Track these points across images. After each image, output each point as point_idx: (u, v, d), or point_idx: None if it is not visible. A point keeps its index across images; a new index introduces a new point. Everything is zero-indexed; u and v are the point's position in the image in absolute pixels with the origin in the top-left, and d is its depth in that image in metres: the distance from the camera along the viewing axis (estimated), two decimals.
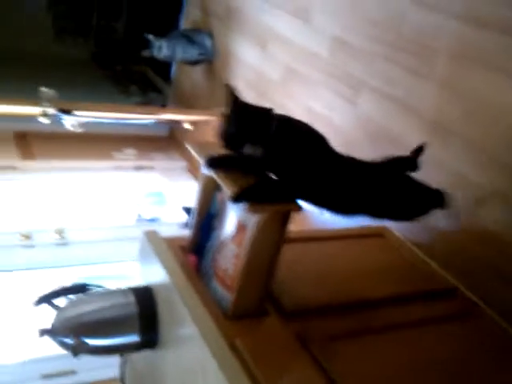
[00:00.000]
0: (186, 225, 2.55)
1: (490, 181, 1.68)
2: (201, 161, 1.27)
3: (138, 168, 3.52)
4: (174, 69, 4.07)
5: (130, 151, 3.53)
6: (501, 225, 1.65)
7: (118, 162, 3.47)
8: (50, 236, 2.63)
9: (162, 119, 3.07)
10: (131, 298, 1.38)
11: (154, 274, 1.41)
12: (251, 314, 1.26)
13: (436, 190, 1.55)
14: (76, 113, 2.63)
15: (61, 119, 2.59)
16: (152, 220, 3.52)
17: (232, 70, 3.18)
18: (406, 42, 1.93)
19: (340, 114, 2.23)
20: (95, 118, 2.72)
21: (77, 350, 1.27)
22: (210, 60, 3.46)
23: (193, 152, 1.32)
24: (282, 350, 1.19)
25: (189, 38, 3.43)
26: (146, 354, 1.42)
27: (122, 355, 1.53)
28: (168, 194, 3.50)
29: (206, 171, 1.27)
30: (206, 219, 1.41)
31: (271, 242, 1.20)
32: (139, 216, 3.50)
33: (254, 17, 2.99)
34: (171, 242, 1.46)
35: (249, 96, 2.97)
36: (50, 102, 2.50)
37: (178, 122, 3.35)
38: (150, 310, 1.38)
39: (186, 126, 3.03)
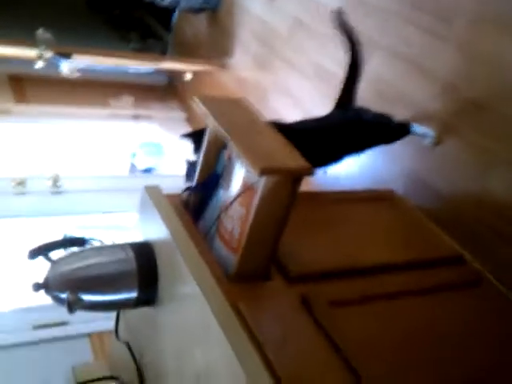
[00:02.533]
0: (187, 178, 2.46)
1: None
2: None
3: (135, 117, 3.43)
4: (175, 16, 3.92)
5: (127, 99, 3.43)
6: None
7: (114, 109, 3.38)
8: (44, 183, 2.56)
9: (162, 68, 2.96)
10: (130, 254, 1.33)
11: (154, 230, 1.36)
12: (255, 278, 1.23)
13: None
14: (74, 57, 2.53)
15: (58, 63, 2.49)
16: (146, 170, 3.45)
17: (237, 20, 3.05)
18: (423, 1, 1.84)
19: None
20: (93, 63, 2.62)
21: (72, 305, 1.23)
22: (214, 8, 3.33)
23: (202, 108, 1.24)
24: (285, 315, 1.16)
25: None
26: (142, 309, 1.38)
27: (118, 311, 1.49)
28: (165, 145, 3.42)
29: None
30: (210, 177, 1.35)
31: (280, 205, 1.15)
32: (132, 165, 3.43)
33: None
34: (173, 198, 1.41)
35: (253, 47, 2.87)
36: (47, 45, 2.40)
37: (178, 72, 3.24)
38: (149, 266, 1.34)
39: (187, 75, 2.92)
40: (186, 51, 3.65)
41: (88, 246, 1.38)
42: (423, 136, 1.83)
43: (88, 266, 1.29)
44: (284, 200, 1.14)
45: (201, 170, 1.35)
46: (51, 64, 2.56)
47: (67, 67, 2.46)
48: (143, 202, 1.42)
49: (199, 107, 1.26)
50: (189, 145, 1.56)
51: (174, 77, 3.72)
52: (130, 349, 1.49)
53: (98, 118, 3.30)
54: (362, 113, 1.78)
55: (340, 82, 1.77)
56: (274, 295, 1.21)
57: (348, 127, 1.74)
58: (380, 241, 1.52)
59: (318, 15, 2.38)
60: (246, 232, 1.16)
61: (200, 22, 3.50)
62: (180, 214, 1.36)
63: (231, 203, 1.23)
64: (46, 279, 1.26)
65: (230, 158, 1.28)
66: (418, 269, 1.43)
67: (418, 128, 1.80)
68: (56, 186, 2.52)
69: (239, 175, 1.21)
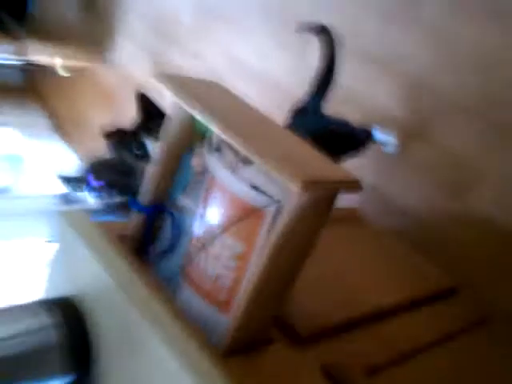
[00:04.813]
0: (66, 198, 1.97)
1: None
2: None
3: None
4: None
5: None
6: None
7: None
8: None
9: (22, 58, 2.34)
10: (44, 319, 0.86)
11: (82, 279, 0.90)
12: (254, 345, 0.83)
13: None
14: None
15: None
16: (1, 190, 2.80)
17: (122, 4, 2.53)
18: None
19: (279, 66, 1.80)
20: None
21: None
22: None
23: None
24: None
25: None
26: None
27: None
28: (27, 156, 2.80)
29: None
30: (166, 196, 0.93)
31: (308, 236, 0.77)
32: None
33: None
34: (106, 229, 0.95)
35: (149, 39, 2.39)
36: None
37: (39, 66, 2.65)
38: (77, 334, 0.87)
39: (59, 66, 2.34)
40: (48, 40, 2.98)
41: None
42: (384, 143, 1.54)
43: None
44: (315, 227, 0.76)
45: (153, 187, 0.92)
46: None
47: None
48: (61, 236, 0.94)
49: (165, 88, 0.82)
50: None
51: (33, 74, 3.07)
52: None
53: None
54: (326, 120, 1.45)
55: (307, 84, 1.42)
56: (287, 367, 0.82)
57: (317, 138, 1.41)
58: (368, 276, 1.21)
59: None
60: (249, 281, 0.75)
61: (69, 3, 2.88)
62: (120, 254, 0.91)
63: (215, 237, 0.81)
64: None
65: (203, 167, 0.87)
66: (422, 307, 1.15)
67: (378, 134, 1.51)
68: None
69: (228, 192, 0.80)
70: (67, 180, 1.99)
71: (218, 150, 0.81)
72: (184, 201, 0.91)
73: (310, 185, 0.66)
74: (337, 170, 0.74)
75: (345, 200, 1.59)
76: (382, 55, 1.57)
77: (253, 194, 0.76)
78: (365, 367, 0.85)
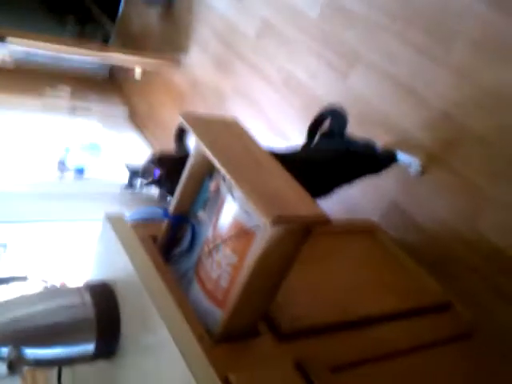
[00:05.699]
0: (129, 187, 2.21)
1: None
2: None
3: (72, 111, 3.10)
4: (121, 2, 3.59)
5: (64, 89, 3.09)
6: None
7: (49, 100, 3.03)
8: None
9: (108, 60, 2.67)
10: (86, 298, 1.10)
11: (117, 269, 1.14)
12: (243, 335, 1.03)
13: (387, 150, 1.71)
14: (9, 41, 2.21)
15: None
16: (77, 170, 3.13)
17: (197, 16, 2.79)
18: (419, 17, 1.69)
19: (325, 86, 1.98)
20: (30, 50, 2.30)
21: (15, 364, 0.98)
22: (170, 0, 3.05)
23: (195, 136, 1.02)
24: None
25: None
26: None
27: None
28: (103, 143, 3.12)
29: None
30: (189, 208, 1.14)
31: (285, 257, 0.96)
32: (61, 163, 3.10)
33: None
34: (139, 230, 1.19)
35: (213, 47, 2.63)
36: None
37: (122, 65, 2.96)
38: (109, 313, 1.11)
39: (137, 72, 2.65)
40: (132, 44, 3.34)
41: (31, 286, 1.14)
42: (408, 165, 1.69)
43: (35, 315, 1.05)
44: (291, 251, 0.96)
45: (179, 199, 1.14)
46: None
47: (1, 56, 2.14)
48: (104, 234, 1.18)
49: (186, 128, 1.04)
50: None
51: (116, 70, 3.41)
52: None
53: (30, 109, 2.95)
54: (349, 143, 1.63)
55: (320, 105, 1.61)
56: (266, 358, 1.02)
57: (338, 159, 1.59)
58: (367, 285, 1.37)
59: (292, 20, 2.18)
60: (238, 286, 0.96)
61: (152, 15, 3.21)
62: (149, 251, 1.14)
63: (217, 247, 1.02)
64: None
65: (217, 190, 1.08)
66: (408, 318, 1.30)
67: (403, 156, 1.67)
68: None
69: (230, 212, 1.01)
70: (134, 171, 2.22)
71: (224, 179, 1.01)
72: (202, 215, 1.13)
73: (278, 219, 0.85)
74: (309, 207, 0.92)
75: (366, 214, 1.77)
76: (415, 85, 1.70)
77: (245, 216, 0.96)
78: (332, 365, 1.03)
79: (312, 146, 1.66)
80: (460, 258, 1.58)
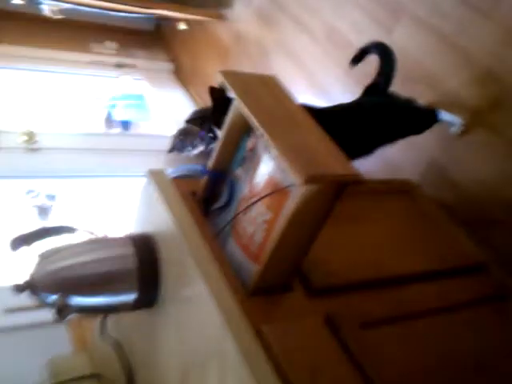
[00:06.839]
0: (173, 150, 2.20)
1: None
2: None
3: (118, 66, 3.15)
4: None
5: (111, 45, 3.14)
6: None
7: (95, 55, 3.09)
8: (18, 139, 2.29)
9: (155, 13, 2.68)
10: (130, 249, 1.16)
11: (157, 222, 1.19)
12: (276, 289, 1.07)
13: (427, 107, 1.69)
14: None
15: (38, 2, 2.20)
16: (124, 123, 3.20)
17: None
18: None
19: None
20: (79, 4, 2.33)
21: (63, 311, 1.05)
22: None
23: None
24: (311, 339, 1.01)
25: None
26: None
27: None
28: (148, 98, 3.17)
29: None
30: (228, 166, 1.17)
31: (318, 215, 0.98)
32: (109, 115, 3.17)
33: None
34: (180, 185, 1.23)
35: (260, 2, 2.60)
36: None
37: (168, 19, 2.97)
38: (151, 263, 1.17)
39: (182, 25, 2.66)
40: None
41: (78, 238, 1.20)
42: (449, 123, 1.66)
43: (82, 264, 1.11)
44: (323, 209, 0.98)
45: (218, 156, 1.17)
46: (31, 1, 2.27)
47: (50, 7, 2.18)
48: (146, 189, 1.23)
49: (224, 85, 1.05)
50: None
51: (161, 23, 3.42)
52: (119, 349, 1.33)
53: (77, 64, 3.01)
54: (393, 98, 1.61)
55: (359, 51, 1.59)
56: (298, 313, 1.06)
57: (382, 114, 1.57)
58: (402, 244, 1.38)
59: None
60: (272, 241, 0.99)
61: None
62: (189, 206, 1.18)
63: (254, 203, 1.05)
64: (32, 279, 1.07)
65: (254, 148, 1.10)
66: (443, 278, 1.31)
67: (445, 115, 1.64)
68: (31, 142, 2.27)
69: (265, 171, 1.03)
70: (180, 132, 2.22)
71: (261, 137, 1.03)
72: (239, 172, 1.15)
73: (311, 179, 0.87)
74: (343, 166, 0.93)
75: (406, 174, 1.76)
76: (461, 43, 1.66)
77: (280, 174, 0.98)
78: (361, 322, 1.06)
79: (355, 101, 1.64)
80: (499, 221, 1.56)
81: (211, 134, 1.66)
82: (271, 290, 1.06)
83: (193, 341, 1.07)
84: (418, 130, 1.64)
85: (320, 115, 1.21)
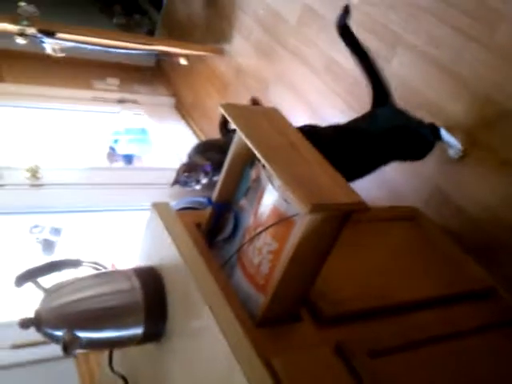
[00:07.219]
0: (176, 183, 2.22)
1: None
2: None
3: (120, 101, 3.18)
4: None
5: (113, 81, 3.18)
6: None
7: (97, 92, 3.13)
8: (22, 175, 2.31)
9: (154, 50, 2.73)
10: (135, 282, 1.15)
11: (163, 254, 1.19)
12: (284, 320, 1.06)
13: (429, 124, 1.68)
14: (58, 36, 2.28)
15: (41, 41, 2.24)
16: (126, 156, 3.22)
17: (239, 4, 2.81)
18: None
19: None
20: (79, 43, 2.37)
21: (70, 346, 1.04)
22: None
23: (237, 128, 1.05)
24: (322, 369, 1.00)
25: None
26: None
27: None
28: (151, 133, 3.20)
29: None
30: (232, 197, 1.18)
31: (323, 243, 0.98)
32: (112, 149, 3.19)
33: None
34: (184, 217, 1.23)
35: (255, 34, 2.65)
36: (30, 20, 2.15)
37: (168, 54, 3.01)
38: (157, 297, 1.16)
39: (182, 61, 2.70)
40: (178, 33, 3.40)
41: (84, 272, 1.19)
42: (449, 146, 1.67)
43: (88, 298, 1.11)
44: (329, 238, 0.98)
45: (222, 188, 1.17)
46: (33, 40, 2.31)
47: (51, 46, 2.22)
48: (151, 222, 1.23)
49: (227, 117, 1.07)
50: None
51: (162, 58, 3.48)
52: (126, 383, 1.31)
53: (79, 101, 3.05)
54: (407, 118, 1.61)
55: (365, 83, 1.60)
56: (307, 343, 1.05)
57: (389, 139, 1.57)
58: (409, 270, 1.38)
59: (332, 5, 2.17)
60: (278, 271, 0.99)
61: (195, 2, 3.25)
62: (193, 238, 1.18)
63: (259, 233, 1.05)
64: (38, 314, 1.06)
65: (257, 179, 1.11)
66: (451, 304, 1.30)
67: (446, 135, 1.64)
68: (35, 178, 2.28)
69: (270, 201, 1.04)
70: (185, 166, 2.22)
71: (264, 168, 1.04)
72: (244, 203, 1.16)
73: (316, 207, 0.87)
74: (347, 194, 0.94)
75: (409, 200, 1.76)
76: (459, 69, 1.68)
77: (284, 204, 0.98)
78: (371, 350, 1.05)
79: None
80: (505, 245, 1.56)
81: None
82: (279, 321, 1.05)
83: (201, 374, 1.06)
84: (421, 150, 1.64)
85: (324, 136, 1.22)
